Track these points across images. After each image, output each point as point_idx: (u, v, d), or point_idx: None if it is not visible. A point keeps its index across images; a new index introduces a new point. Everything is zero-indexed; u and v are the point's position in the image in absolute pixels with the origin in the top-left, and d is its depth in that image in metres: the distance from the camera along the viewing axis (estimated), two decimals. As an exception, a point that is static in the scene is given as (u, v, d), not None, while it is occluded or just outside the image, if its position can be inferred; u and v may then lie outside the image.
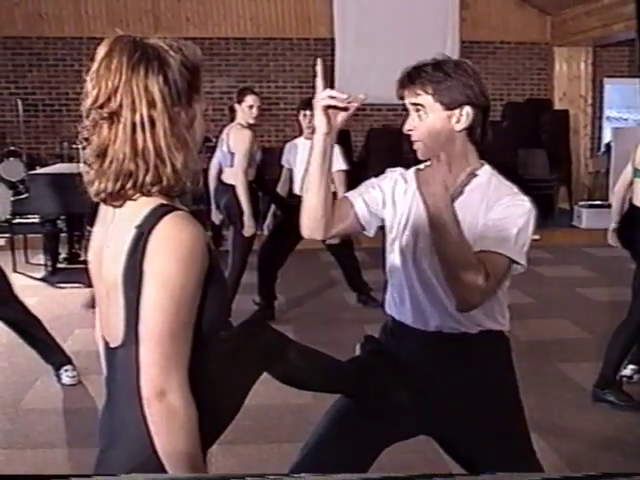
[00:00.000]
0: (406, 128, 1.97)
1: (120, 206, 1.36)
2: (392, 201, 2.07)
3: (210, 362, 1.38)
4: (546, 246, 8.04)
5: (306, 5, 9.87)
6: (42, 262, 7.05)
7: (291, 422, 3.68)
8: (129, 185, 1.33)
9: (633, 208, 3.97)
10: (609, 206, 4.41)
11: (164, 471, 1.33)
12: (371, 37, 9.56)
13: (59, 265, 7.09)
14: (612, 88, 10.84)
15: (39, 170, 7.49)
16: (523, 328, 5.09)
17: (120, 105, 1.30)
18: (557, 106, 10.33)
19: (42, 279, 6.79)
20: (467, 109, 1.90)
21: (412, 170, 2.07)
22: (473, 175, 1.94)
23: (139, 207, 1.33)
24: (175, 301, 1.28)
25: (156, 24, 9.39)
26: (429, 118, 1.92)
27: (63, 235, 7.21)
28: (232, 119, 5.49)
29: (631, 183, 4.01)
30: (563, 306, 5.97)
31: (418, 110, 1.93)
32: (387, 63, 8.89)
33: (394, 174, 2.12)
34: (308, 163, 1.93)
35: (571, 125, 10.19)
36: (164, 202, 1.34)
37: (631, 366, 4.14)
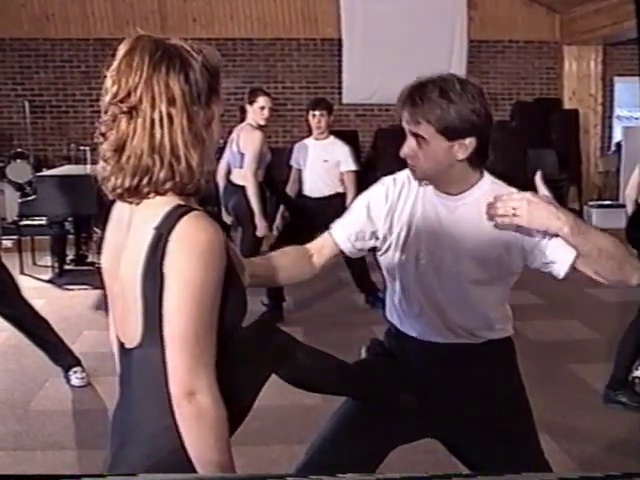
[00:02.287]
0: (404, 152, 1.90)
1: (137, 204, 1.36)
2: (385, 218, 2.00)
3: (221, 364, 1.37)
4: (555, 246, 7.98)
5: (313, 5, 9.85)
6: (49, 264, 7.05)
7: (300, 423, 3.66)
8: (145, 181, 1.32)
9: (643, 207, 3.93)
10: (619, 206, 4.39)
11: (180, 471, 1.32)
12: (378, 37, 9.52)
13: (66, 267, 7.08)
14: (622, 87, 10.77)
15: (46, 172, 7.50)
16: (533, 329, 5.07)
17: (140, 100, 1.30)
18: (567, 105, 10.28)
19: (49, 281, 6.78)
20: (470, 140, 1.84)
21: (404, 175, 2.02)
22: (470, 188, 1.91)
23: (157, 208, 1.33)
24: (197, 302, 1.28)
25: (162, 25, 9.39)
26: (430, 148, 1.85)
27: (70, 237, 7.21)
28: (242, 119, 5.46)
29: None
30: (573, 307, 5.92)
31: (419, 141, 1.86)
32: (395, 63, 8.88)
33: (382, 188, 2.04)
34: None
35: (581, 124, 10.14)
36: (181, 203, 1.34)
37: (643, 367, 4.11)
